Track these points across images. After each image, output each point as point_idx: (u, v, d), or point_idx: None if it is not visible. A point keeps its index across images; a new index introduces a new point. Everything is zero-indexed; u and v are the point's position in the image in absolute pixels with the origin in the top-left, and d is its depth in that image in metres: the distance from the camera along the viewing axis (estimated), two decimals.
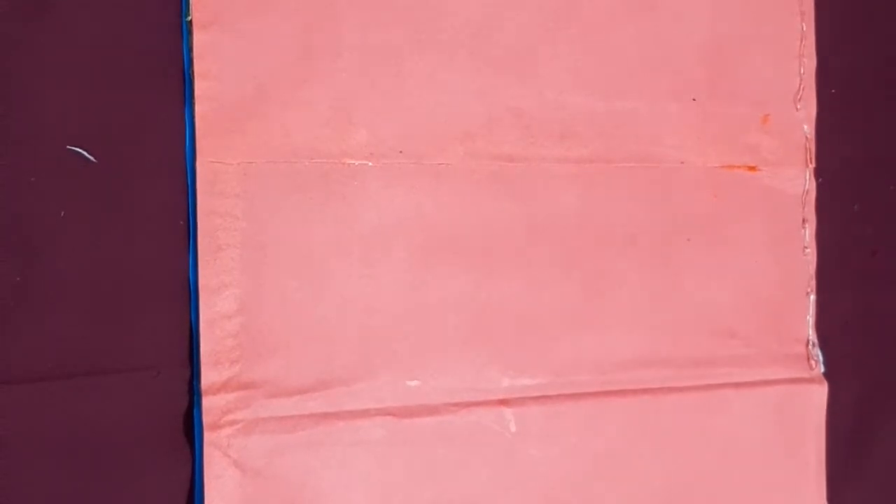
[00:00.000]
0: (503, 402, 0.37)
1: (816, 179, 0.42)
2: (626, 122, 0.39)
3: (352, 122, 0.35)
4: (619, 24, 0.38)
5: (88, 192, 0.33)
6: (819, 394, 0.41)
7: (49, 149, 0.33)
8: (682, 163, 0.39)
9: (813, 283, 0.41)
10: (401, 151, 0.36)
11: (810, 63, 0.42)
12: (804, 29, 0.41)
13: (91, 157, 0.33)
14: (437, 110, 0.36)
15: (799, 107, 0.41)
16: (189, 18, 0.34)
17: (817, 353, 0.42)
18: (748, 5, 0.40)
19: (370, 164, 0.36)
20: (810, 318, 0.42)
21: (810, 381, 0.41)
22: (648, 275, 0.39)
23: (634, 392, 0.39)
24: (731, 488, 0.40)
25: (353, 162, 0.36)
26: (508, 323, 0.37)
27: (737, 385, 0.40)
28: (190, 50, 0.34)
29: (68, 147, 0.33)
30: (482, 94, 0.37)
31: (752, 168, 0.41)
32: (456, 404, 0.37)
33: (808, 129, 0.41)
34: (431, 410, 0.36)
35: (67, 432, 0.33)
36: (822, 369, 0.42)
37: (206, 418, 0.34)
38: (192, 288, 0.34)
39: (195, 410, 0.34)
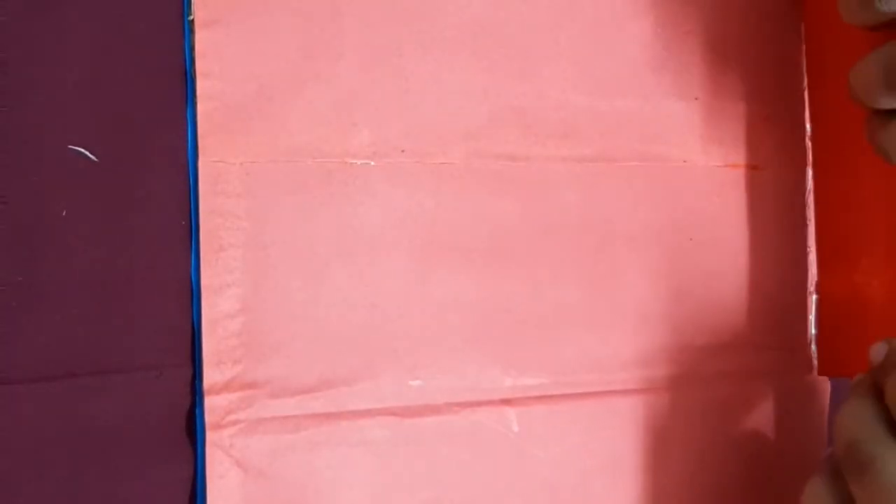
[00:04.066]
0: (506, 402, 0.37)
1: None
2: (629, 121, 0.38)
3: (354, 121, 0.35)
4: (621, 22, 0.38)
5: (90, 192, 0.33)
6: (822, 392, 0.41)
7: (50, 148, 0.33)
8: (685, 162, 0.39)
9: (815, 282, 0.41)
10: (403, 151, 0.36)
11: None
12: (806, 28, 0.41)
13: (92, 157, 0.33)
14: (439, 109, 0.36)
15: (801, 106, 0.41)
16: (191, 17, 0.34)
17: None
18: (751, 4, 0.40)
19: (372, 163, 0.36)
20: (812, 318, 0.42)
21: (812, 379, 0.41)
22: (651, 274, 0.39)
23: (637, 391, 0.39)
24: (733, 486, 0.40)
25: (355, 161, 0.35)
26: (511, 322, 0.37)
27: (740, 384, 0.40)
28: (191, 49, 0.34)
29: (69, 147, 0.33)
30: (484, 93, 0.37)
31: (754, 167, 0.40)
32: (458, 404, 0.37)
33: (811, 128, 0.41)
34: (434, 410, 0.36)
35: (68, 432, 0.33)
36: None
37: (209, 418, 0.34)
38: (193, 287, 0.34)
39: (197, 410, 0.34)
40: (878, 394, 0.32)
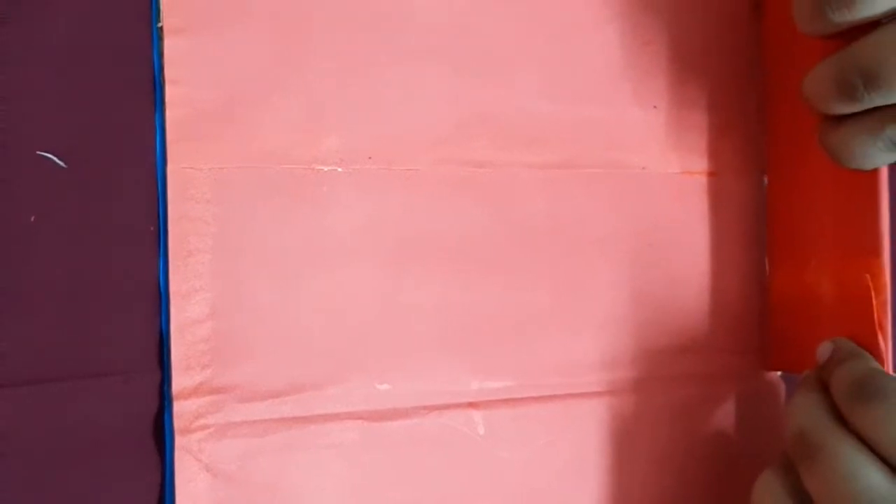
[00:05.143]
0: (472, 405, 0.38)
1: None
2: (592, 129, 0.39)
3: (323, 128, 0.36)
4: (584, 33, 0.39)
5: (58, 198, 0.33)
6: (781, 393, 0.43)
7: (18, 154, 0.33)
8: (644, 168, 0.40)
9: (767, 281, 0.43)
10: (370, 157, 0.36)
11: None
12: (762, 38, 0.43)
13: (61, 163, 0.33)
14: (407, 116, 0.37)
15: (758, 114, 0.42)
16: (160, 24, 0.34)
17: None
18: (709, 16, 0.42)
19: (340, 169, 0.36)
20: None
21: (772, 380, 0.43)
22: (614, 278, 0.40)
23: (601, 394, 0.39)
24: (697, 486, 0.41)
25: (323, 168, 0.36)
26: (478, 326, 0.38)
27: (701, 386, 0.41)
28: (160, 56, 0.34)
29: (38, 153, 0.33)
30: (452, 100, 0.37)
31: (712, 174, 0.42)
32: (426, 407, 0.37)
33: (766, 135, 0.42)
34: (401, 414, 0.37)
35: (36, 438, 0.33)
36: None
37: (178, 423, 0.34)
38: (162, 293, 0.34)
39: (166, 415, 0.34)
40: (824, 388, 0.33)
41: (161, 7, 0.34)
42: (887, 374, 0.33)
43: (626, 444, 0.40)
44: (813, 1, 0.32)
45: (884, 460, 0.31)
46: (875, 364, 0.34)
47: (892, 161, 0.34)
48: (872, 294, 0.36)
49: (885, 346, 0.35)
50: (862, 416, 0.31)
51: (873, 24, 0.32)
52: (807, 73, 0.35)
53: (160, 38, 0.34)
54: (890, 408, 0.31)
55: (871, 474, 0.30)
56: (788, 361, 0.41)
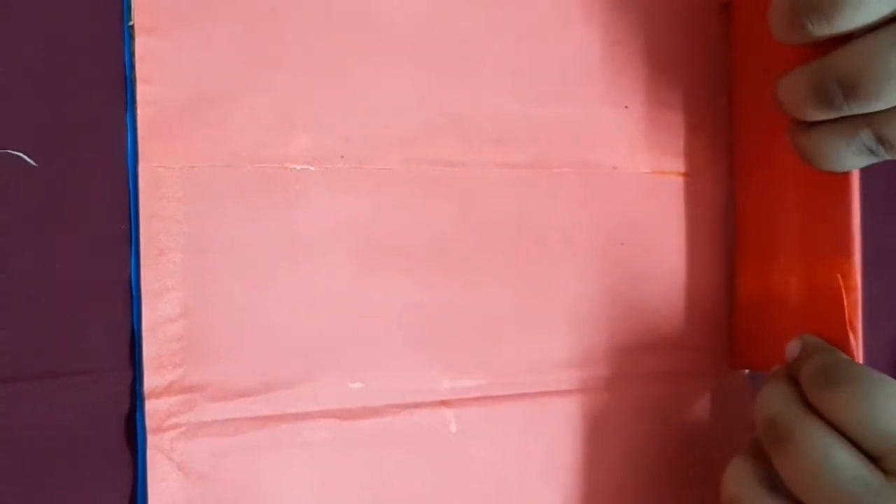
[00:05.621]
0: (444, 403, 0.38)
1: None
2: (562, 129, 0.40)
3: (294, 127, 0.36)
4: (554, 33, 0.40)
5: (28, 197, 0.33)
6: (746, 386, 0.43)
7: None
8: (615, 168, 0.41)
9: (735, 279, 0.43)
10: (342, 156, 0.36)
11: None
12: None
13: (31, 161, 0.33)
14: (378, 116, 0.37)
15: (725, 114, 0.43)
16: (131, 23, 0.34)
17: None
18: (679, 16, 0.42)
19: (312, 168, 0.36)
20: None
21: (740, 378, 0.43)
22: (584, 277, 0.40)
23: (572, 392, 0.40)
24: (666, 482, 0.41)
25: (295, 167, 0.36)
26: (450, 324, 0.38)
27: (671, 383, 0.42)
28: (132, 54, 0.34)
29: (7, 151, 0.33)
30: (422, 100, 0.38)
31: (682, 174, 0.42)
32: (398, 406, 0.37)
33: (732, 135, 0.43)
34: (373, 412, 0.37)
35: (6, 437, 0.32)
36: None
37: (150, 422, 0.34)
38: (134, 292, 0.34)
39: (138, 414, 0.34)
40: (793, 381, 0.35)
41: (132, 5, 0.34)
42: (853, 362, 0.34)
43: (596, 440, 0.40)
44: (791, 12, 0.32)
45: (852, 442, 0.32)
46: (842, 354, 0.35)
47: (863, 165, 0.34)
48: (844, 294, 0.36)
49: (856, 344, 0.36)
50: (830, 402, 0.33)
51: (849, 35, 0.32)
52: (775, 74, 0.35)
53: (131, 37, 0.34)
54: (856, 391, 0.32)
55: (841, 456, 0.31)
56: (756, 360, 0.42)
